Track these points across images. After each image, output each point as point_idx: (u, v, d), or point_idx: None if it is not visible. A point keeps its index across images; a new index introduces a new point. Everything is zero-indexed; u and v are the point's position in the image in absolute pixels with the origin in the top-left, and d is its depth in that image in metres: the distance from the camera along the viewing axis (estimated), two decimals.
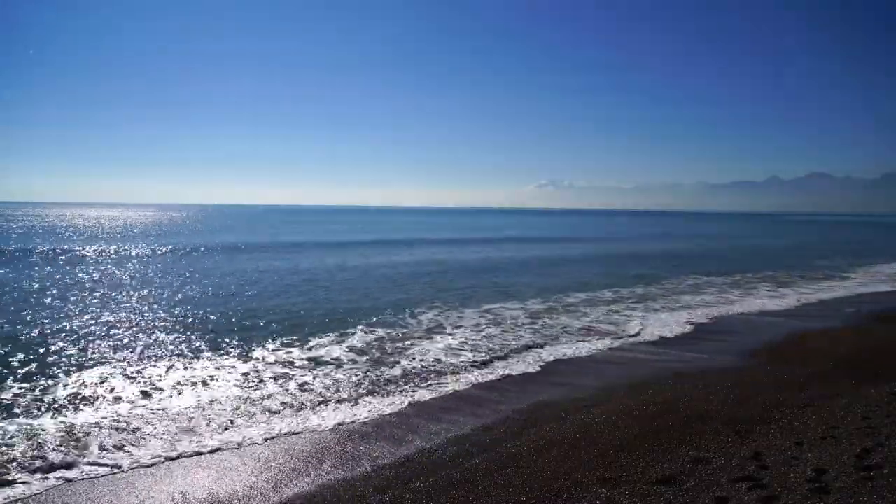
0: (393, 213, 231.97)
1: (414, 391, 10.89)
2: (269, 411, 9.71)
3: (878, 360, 12.00)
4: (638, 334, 15.92)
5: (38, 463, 7.54)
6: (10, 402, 9.76)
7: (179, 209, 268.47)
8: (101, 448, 8.06)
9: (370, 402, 10.27)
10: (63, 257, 36.69)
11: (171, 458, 7.84)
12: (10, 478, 7.17)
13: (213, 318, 17.53)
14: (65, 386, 10.69)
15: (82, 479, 7.22)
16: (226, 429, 8.92)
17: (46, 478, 7.22)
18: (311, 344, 14.30)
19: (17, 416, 9.19)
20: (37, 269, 30.09)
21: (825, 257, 42.09)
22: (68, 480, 7.19)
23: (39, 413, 9.33)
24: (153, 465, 7.66)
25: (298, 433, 8.84)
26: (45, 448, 7.95)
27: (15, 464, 7.51)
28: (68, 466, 7.50)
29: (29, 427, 8.68)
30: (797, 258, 41.67)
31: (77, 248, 43.54)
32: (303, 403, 10.12)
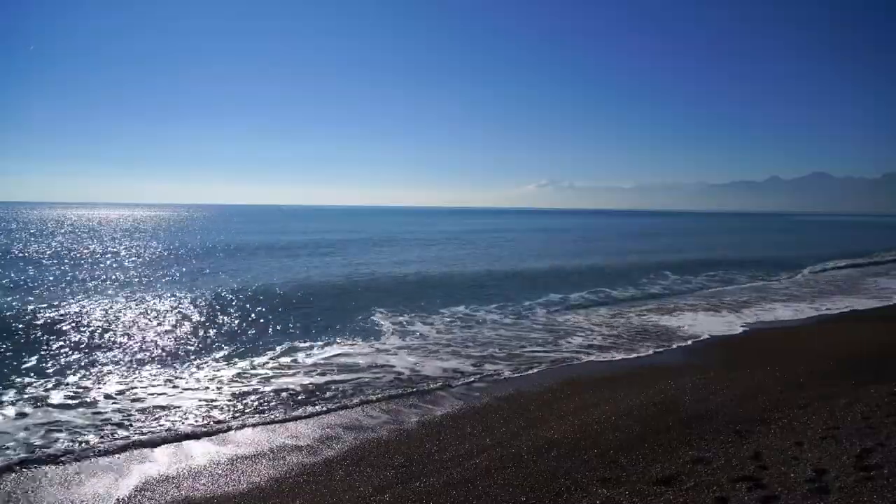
0: (401, 214, 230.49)
1: (413, 390, 10.92)
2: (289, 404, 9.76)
3: (877, 360, 11.98)
4: (639, 334, 15.93)
5: None
6: None
7: (189, 209, 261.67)
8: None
9: (370, 401, 10.29)
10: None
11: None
12: None
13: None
14: None
15: None
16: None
17: None
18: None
19: None
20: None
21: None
22: None
23: None
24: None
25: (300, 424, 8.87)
26: None
27: None
28: None
29: None
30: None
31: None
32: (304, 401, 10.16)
